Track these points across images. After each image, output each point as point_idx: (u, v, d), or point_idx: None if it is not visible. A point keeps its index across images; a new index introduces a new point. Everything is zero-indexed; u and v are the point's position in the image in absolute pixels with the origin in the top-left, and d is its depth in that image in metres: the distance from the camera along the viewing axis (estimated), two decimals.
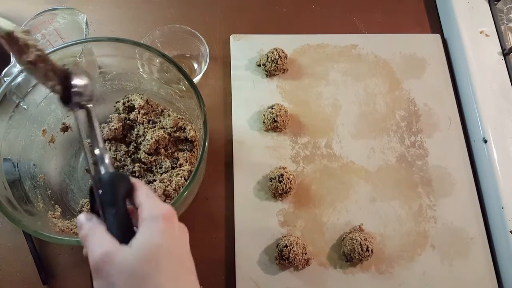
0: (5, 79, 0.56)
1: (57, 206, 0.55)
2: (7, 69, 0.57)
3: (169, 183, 0.56)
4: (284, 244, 0.56)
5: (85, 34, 0.59)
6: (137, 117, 0.60)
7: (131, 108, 0.61)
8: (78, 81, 0.36)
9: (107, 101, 0.62)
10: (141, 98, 0.60)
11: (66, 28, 0.63)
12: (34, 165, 0.55)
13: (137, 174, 0.59)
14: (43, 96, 0.54)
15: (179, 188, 0.55)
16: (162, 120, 0.60)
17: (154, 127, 0.60)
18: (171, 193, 0.55)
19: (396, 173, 0.64)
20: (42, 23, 0.61)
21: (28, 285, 0.56)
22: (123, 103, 0.61)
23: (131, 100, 0.60)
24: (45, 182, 0.56)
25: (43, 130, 0.57)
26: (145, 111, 0.60)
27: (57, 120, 0.59)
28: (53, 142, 0.59)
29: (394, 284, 0.57)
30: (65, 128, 0.59)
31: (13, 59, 0.58)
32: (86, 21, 0.59)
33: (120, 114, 0.61)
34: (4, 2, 0.73)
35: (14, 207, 0.47)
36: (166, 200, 0.55)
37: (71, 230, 0.52)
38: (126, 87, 0.61)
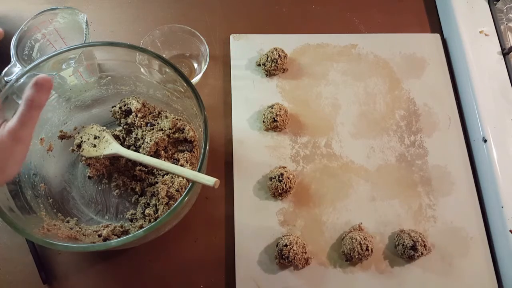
0: (5, 78, 0.56)
1: (59, 214, 0.55)
2: (7, 69, 0.57)
3: (171, 184, 0.56)
4: (284, 243, 0.56)
5: (85, 34, 0.59)
6: (135, 121, 0.60)
7: (127, 112, 0.60)
8: None
9: (103, 105, 0.62)
10: (137, 101, 0.60)
11: (66, 27, 0.63)
12: (34, 174, 0.55)
13: (138, 178, 0.59)
14: None
15: (182, 189, 0.55)
16: (160, 122, 0.60)
17: (153, 129, 0.60)
18: (174, 195, 0.55)
19: (396, 173, 0.64)
20: (42, 22, 0.61)
21: (28, 284, 0.56)
22: (120, 108, 0.60)
23: (127, 104, 0.60)
24: (45, 191, 0.56)
25: (41, 139, 0.56)
26: (142, 114, 0.60)
27: (54, 128, 0.58)
28: (51, 150, 0.58)
29: (394, 284, 0.57)
30: (63, 136, 0.59)
31: (13, 58, 0.58)
32: (86, 21, 0.59)
33: (118, 119, 0.61)
34: (4, 2, 0.73)
35: (18, 217, 0.47)
36: (170, 202, 0.55)
37: (75, 237, 0.52)
38: (121, 91, 0.61)
